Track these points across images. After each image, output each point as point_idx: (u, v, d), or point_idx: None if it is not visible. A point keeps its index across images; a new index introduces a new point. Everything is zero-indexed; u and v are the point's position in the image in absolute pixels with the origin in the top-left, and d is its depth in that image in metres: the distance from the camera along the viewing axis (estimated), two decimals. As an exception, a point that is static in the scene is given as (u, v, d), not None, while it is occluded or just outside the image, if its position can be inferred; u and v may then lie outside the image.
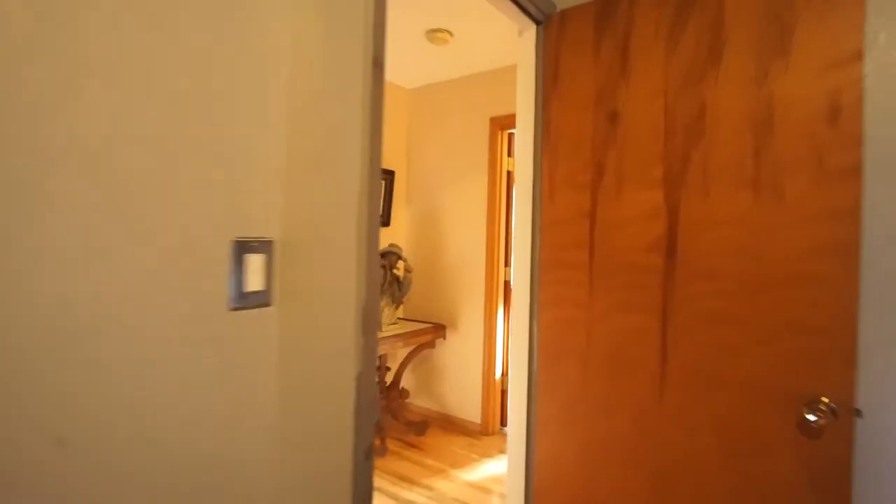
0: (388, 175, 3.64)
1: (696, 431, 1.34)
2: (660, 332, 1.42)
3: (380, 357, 3.24)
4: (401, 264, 3.50)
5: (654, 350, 1.42)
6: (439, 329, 3.36)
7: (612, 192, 1.53)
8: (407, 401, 3.81)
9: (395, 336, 3.06)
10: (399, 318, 3.57)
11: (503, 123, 3.36)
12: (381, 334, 3.08)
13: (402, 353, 3.37)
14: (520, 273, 1.80)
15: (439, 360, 3.65)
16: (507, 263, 3.44)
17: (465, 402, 3.49)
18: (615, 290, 1.51)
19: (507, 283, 3.46)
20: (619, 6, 1.52)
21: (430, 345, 3.35)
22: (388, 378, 3.39)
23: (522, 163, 1.81)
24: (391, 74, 3.65)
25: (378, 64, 1.03)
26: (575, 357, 1.59)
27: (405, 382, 3.80)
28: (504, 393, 3.50)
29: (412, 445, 3.24)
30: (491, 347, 3.37)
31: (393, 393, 3.32)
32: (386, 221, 3.69)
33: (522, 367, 1.77)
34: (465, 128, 3.53)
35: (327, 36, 0.91)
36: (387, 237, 3.72)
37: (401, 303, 3.34)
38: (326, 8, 0.91)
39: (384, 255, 3.32)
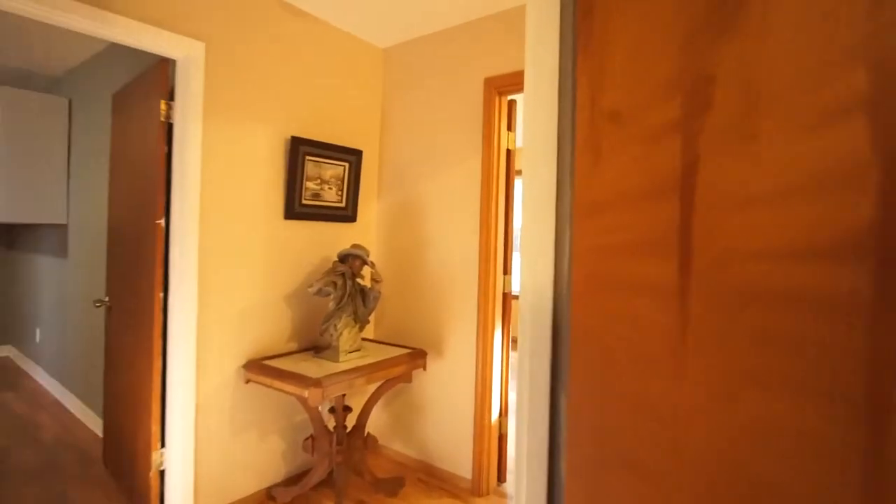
0: (353, 156, 2.84)
1: None
2: (863, 453, 0.62)
3: (336, 397, 2.44)
4: (367, 271, 2.69)
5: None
6: (418, 356, 2.56)
7: (734, 136, 0.73)
8: (379, 444, 3.00)
9: (355, 370, 2.26)
10: (365, 341, 2.76)
11: (502, 86, 2.56)
12: (334, 367, 2.28)
13: (370, 387, 2.57)
14: (533, 298, 1.00)
15: (419, 393, 2.85)
16: (506, 270, 2.64)
17: (452, 449, 2.69)
18: (741, 347, 0.72)
19: (506, 296, 2.66)
20: None
21: (406, 378, 2.55)
22: (349, 421, 2.59)
23: (538, 97, 1.01)
24: (359, 29, 2.85)
25: None
26: (640, 473, 0.80)
27: (374, 423, 2.99)
28: (503, 439, 2.69)
29: (381, 512, 2.44)
30: (485, 379, 2.57)
31: (355, 441, 2.52)
32: (350, 216, 2.88)
33: (540, 469, 0.98)
34: (453, 94, 2.73)
35: None
36: (350, 236, 2.91)
37: (366, 322, 2.54)
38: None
39: (343, 258, 2.52)
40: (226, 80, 2.31)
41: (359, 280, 2.55)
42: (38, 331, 4.37)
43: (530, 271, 1.01)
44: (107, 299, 2.75)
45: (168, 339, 2.24)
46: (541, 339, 0.99)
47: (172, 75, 2.25)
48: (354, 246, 2.53)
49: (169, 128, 2.25)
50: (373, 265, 2.51)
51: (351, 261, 2.51)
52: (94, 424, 3.32)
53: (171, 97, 2.25)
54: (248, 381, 2.36)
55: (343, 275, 2.47)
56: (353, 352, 2.47)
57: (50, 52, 3.45)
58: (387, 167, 3.03)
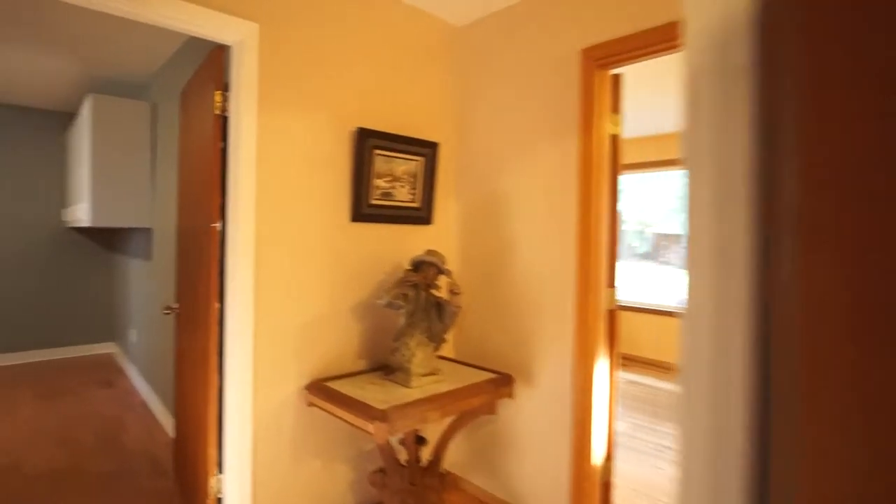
0: (427, 149, 2.50)
1: None
2: None
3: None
4: (443, 281, 2.33)
5: None
6: (503, 383, 2.16)
7: None
8: (457, 478, 2.63)
9: (429, 401, 1.90)
10: (442, 359, 2.41)
11: (604, 57, 2.09)
12: (405, 395, 1.93)
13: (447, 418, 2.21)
14: (715, 320, 0.57)
15: (505, 424, 2.44)
16: (611, 282, 2.16)
17: (545, 493, 2.26)
18: None
19: (612, 313, 2.17)
20: None
21: (489, 409, 2.16)
22: (425, 455, 2.24)
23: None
24: (431, 5, 2.50)
25: None
26: None
27: (452, 451, 2.63)
28: (608, 488, 2.21)
29: (459, 565, 2.08)
30: (585, 412, 2.11)
31: (431, 480, 2.17)
32: (424, 217, 2.54)
33: None
34: (541, 73, 2.30)
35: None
36: (425, 240, 2.57)
37: (443, 341, 2.18)
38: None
39: (416, 266, 2.18)
40: (283, 65, 2.05)
41: (433, 291, 2.19)
42: (132, 331, 4.50)
43: (706, 283, 0.58)
44: (176, 306, 2.62)
45: (224, 355, 2.02)
46: (730, 380, 0.56)
47: (228, 64, 2.03)
48: (429, 252, 2.18)
49: (224, 122, 2.04)
50: (450, 274, 2.15)
51: (425, 269, 2.16)
52: (173, 430, 3.27)
53: (226, 88, 2.03)
54: (310, 405, 2.09)
55: (416, 285, 2.13)
56: (428, 375, 2.12)
57: (132, 58, 3.46)
58: (465, 161, 2.65)
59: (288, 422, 2.11)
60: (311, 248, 2.15)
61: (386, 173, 2.35)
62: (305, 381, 2.14)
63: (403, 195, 2.44)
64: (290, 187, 2.08)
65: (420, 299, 2.13)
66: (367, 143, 2.26)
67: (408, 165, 2.43)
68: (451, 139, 2.67)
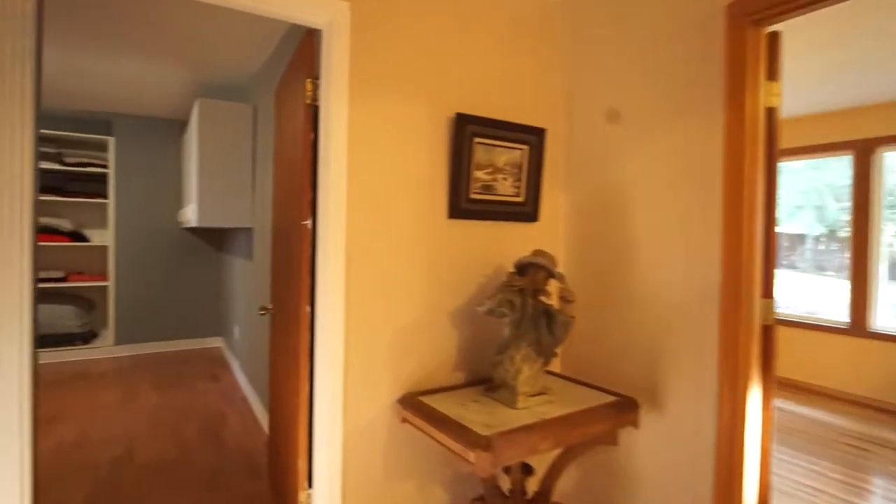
0: (533, 136, 2.20)
1: None
2: None
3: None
4: (553, 287, 2.03)
5: None
6: (626, 408, 1.82)
7: None
8: (567, 507, 2.31)
9: (540, 427, 1.61)
10: (549, 375, 2.11)
11: (759, 11, 1.67)
12: (511, 419, 1.66)
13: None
14: None
15: (627, 456, 2.08)
16: (767, 292, 1.73)
17: (676, 543, 1.88)
18: None
19: (767, 329, 1.75)
20: None
21: (609, 439, 1.82)
22: (531, 485, 1.96)
23: None
24: (539, -31, 2.20)
25: None
26: None
27: (560, 486, 2.31)
28: (761, 546, 1.79)
29: None
30: (733, 449, 1.71)
31: (538, 514, 1.88)
32: (529, 213, 2.25)
33: None
34: (672, 37, 1.92)
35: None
36: (530, 239, 2.28)
37: (553, 356, 1.88)
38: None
39: (521, 269, 1.90)
40: (375, 47, 1.87)
41: (542, 298, 1.90)
42: (236, 328, 4.65)
43: None
44: (270, 307, 2.56)
45: (315, 362, 1.88)
46: None
47: (318, 50, 1.89)
48: (536, 253, 1.89)
49: (315, 112, 1.89)
50: (562, 278, 1.84)
51: (532, 273, 1.87)
52: (268, 431, 3.27)
53: (318, 76, 1.89)
54: (403, 421, 1.89)
55: (522, 291, 1.85)
56: (536, 395, 1.83)
57: (233, 61, 3.52)
58: (577, 148, 2.32)
59: (380, 438, 1.92)
60: (406, 248, 1.95)
61: (487, 164, 2.10)
62: (399, 393, 1.94)
63: (506, 188, 2.17)
64: (382, 181, 1.89)
65: (527, 307, 1.84)
66: (467, 130, 2.02)
67: (511, 155, 2.16)
68: (558, 124, 2.35)
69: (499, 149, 2.12)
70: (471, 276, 2.11)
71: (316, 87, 1.88)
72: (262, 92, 3.64)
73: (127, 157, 5.16)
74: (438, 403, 1.81)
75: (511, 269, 1.94)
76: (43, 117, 5.17)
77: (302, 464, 1.91)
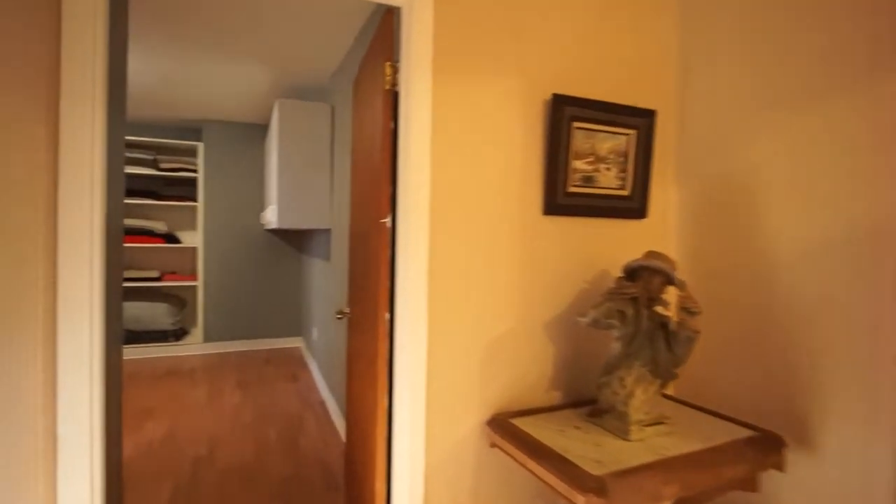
0: (641, 119, 1.90)
1: None
2: None
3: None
4: (673, 295, 1.71)
5: None
6: (768, 447, 1.47)
7: None
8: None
9: (663, 467, 1.32)
10: (667, 399, 1.79)
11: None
12: (626, 456, 1.37)
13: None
14: None
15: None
16: (982, 304, 1.33)
17: None
18: None
19: (974, 356, 1.34)
20: None
21: (748, 485, 1.49)
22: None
23: None
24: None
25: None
26: None
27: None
28: None
29: None
30: (916, 510, 1.32)
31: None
32: (636, 209, 1.94)
33: None
34: (829, -12, 1.54)
35: None
36: (637, 240, 1.97)
37: (673, 377, 1.57)
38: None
39: (632, 274, 1.61)
40: (461, 22, 1.65)
41: (658, 309, 1.59)
42: (315, 329, 4.65)
43: None
44: (348, 311, 2.43)
45: (394, 375, 1.69)
46: None
47: (398, 29, 1.70)
48: (651, 255, 1.59)
49: (395, 98, 1.71)
50: (683, 286, 1.53)
51: (646, 278, 1.58)
52: (345, 439, 3.16)
53: (398, 59, 1.71)
54: (493, 446, 1.66)
55: (634, 300, 1.56)
56: (652, 425, 1.53)
57: (312, 60, 3.47)
58: (692, 133, 1.98)
59: (467, 463, 1.70)
60: (496, 249, 1.72)
61: (587, 152, 1.82)
62: (487, 413, 1.72)
63: (609, 180, 1.88)
64: (469, 173, 1.67)
65: (641, 319, 1.55)
66: (564, 113, 1.76)
67: (615, 141, 1.87)
68: (668, 105, 2.02)
69: (601, 134, 1.84)
70: (569, 282, 1.84)
71: (395, 71, 1.70)
72: (339, 90, 3.56)
73: (214, 162, 5.34)
74: (534, 429, 1.56)
75: (619, 274, 1.66)
76: (141, 126, 5.48)
77: (380, 486, 1.74)
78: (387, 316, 1.71)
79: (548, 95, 1.77)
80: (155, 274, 5.30)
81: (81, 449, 1.32)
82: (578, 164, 1.81)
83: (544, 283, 1.80)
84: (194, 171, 5.35)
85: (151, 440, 3.16)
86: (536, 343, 1.79)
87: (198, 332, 5.41)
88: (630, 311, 1.55)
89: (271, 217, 4.10)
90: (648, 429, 1.51)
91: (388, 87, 1.70)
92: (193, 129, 5.69)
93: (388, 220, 1.70)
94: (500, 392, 1.74)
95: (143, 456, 2.95)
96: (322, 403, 3.88)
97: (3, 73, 1.24)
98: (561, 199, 1.79)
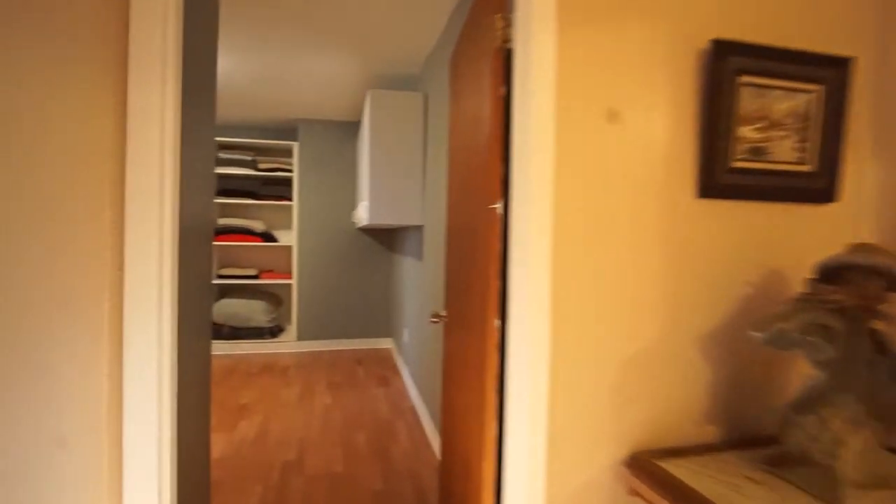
0: (830, 70, 1.43)
1: None
2: None
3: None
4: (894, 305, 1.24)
5: None
6: None
7: None
8: None
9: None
10: (893, 454, 1.31)
11: None
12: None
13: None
14: None
15: None
16: None
17: None
18: None
19: None
20: None
21: None
22: None
23: None
24: None
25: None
26: None
27: None
28: None
29: None
30: None
31: None
32: (824, 189, 1.47)
33: None
34: None
35: None
36: (824, 230, 1.50)
37: (900, 421, 1.11)
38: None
39: (830, 275, 1.17)
40: (598, -50, 1.31)
41: (878, 325, 1.14)
42: (406, 330, 4.47)
43: None
44: (444, 314, 2.16)
45: (506, 396, 1.38)
46: None
47: (514, -29, 1.39)
48: (862, 249, 1.15)
49: (507, 57, 1.40)
50: (923, 292, 1.08)
51: (858, 281, 1.13)
52: (438, 450, 2.90)
53: (510, 10, 1.40)
54: (633, 493, 1.30)
55: (843, 311, 1.12)
56: (878, 488, 1.09)
57: (404, 48, 3.27)
58: (903, 87, 1.48)
59: (595, 511, 1.35)
60: (634, 242, 1.35)
61: (757, 116, 1.39)
62: (624, 450, 1.35)
63: (785, 152, 1.43)
64: (600, 146, 1.32)
65: (856, 337, 1.11)
66: (728, 64, 1.35)
67: (794, 101, 1.42)
68: (869, 51, 1.53)
69: (776, 92, 1.40)
70: (730, 285, 1.42)
71: (508, 25, 1.39)
72: (432, 78, 3.33)
73: (308, 161, 5.37)
74: (693, 477, 1.18)
75: (811, 276, 1.22)
76: (241, 128, 5.65)
77: (486, 529, 1.43)
78: (496, 323, 1.40)
79: (704, 43, 1.37)
80: (253, 272, 5.42)
81: (148, 456, 1.15)
82: (745, 132, 1.39)
83: (696, 286, 1.40)
84: (290, 170, 5.41)
85: (243, 440, 3.10)
86: (685, 363, 1.39)
87: (292, 330, 5.46)
88: (838, 327, 1.11)
89: (363, 214, 3.96)
90: (873, 494, 1.07)
91: (498, 43, 1.40)
92: (290, 130, 5.77)
93: (499, 207, 1.39)
94: (638, 424, 1.36)
95: (234, 456, 2.88)
96: (413, 410, 3.66)
97: (67, 41, 1.09)
98: (721, 178, 1.38)
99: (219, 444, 3.03)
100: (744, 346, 1.42)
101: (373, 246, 5.59)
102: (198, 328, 1.79)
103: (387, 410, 3.66)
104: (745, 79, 1.37)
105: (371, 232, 5.58)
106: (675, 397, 1.39)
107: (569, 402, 1.31)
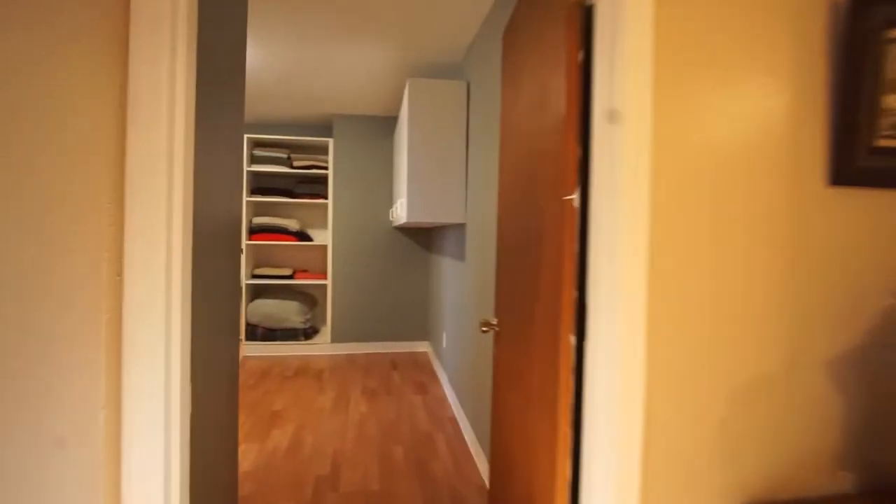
0: None
1: None
2: None
3: None
4: None
5: None
6: None
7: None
8: None
9: None
10: None
11: None
12: None
13: None
14: None
15: None
16: None
17: None
18: None
19: None
20: None
21: None
22: None
23: None
24: None
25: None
26: None
27: None
28: None
29: None
30: None
31: None
32: None
33: None
34: None
35: None
36: None
37: None
38: None
39: None
40: None
41: None
42: (444, 334, 4.25)
43: None
44: (495, 322, 1.92)
45: (583, 430, 1.13)
46: None
47: None
48: None
49: (587, 16, 1.15)
50: None
51: None
52: (483, 468, 2.66)
53: (591, -44, 1.14)
54: (747, 558, 1.03)
55: None
56: None
57: (445, 35, 3.04)
58: None
59: (695, 575, 1.08)
60: (749, 241, 1.08)
61: (908, 81, 1.10)
62: (737, 501, 1.08)
63: (942, 128, 1.13)
64: (707, 123, 1.06)
65: None
66: (871, 15, 1.06)
67: (955, 63, 1.12)
68: None
69: (933, 51, 1.10)
70: (870, 295, 1.13)
71: (587, -24, 1.14)
72: (475, 65, 3.09)
73: (344, 157, 5.21)
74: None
75: None
76: (276, 125, 5.54)
77: (556, 587, 1.18)
78: (572, 339, 1.15)
79: (840, -10, 1.09)
80: (288, 272, 5.30)
81: (155, 445, 0.95)
82: (893, 101, 1.09)
83: (826, 297, 1.11)
84: (325, 167, 5.27)
85: (275, 450, 2.94)
86: (811, 393, 1.11)
87: (326, 332, 5.32)
88: None
89: (400, 212, 3.76)
90: None
91: (575, -2, 1.15)
92: (325, 126, 5.64)
93: (574, 198, 1.14)
94: (752, 469, 1.09)
95: (265, 468, 2.72)
96: (453, 421, 3.43)
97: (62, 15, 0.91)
98: (860, 160, 1.09)
99: (250, 455, 2.87)
100: (887, 371, 1.13)
101: (410, 246, 5.39)
102: (224, 333, 1.61)
103: (425, 420, 3.44)
104: (893, 32, 1.08)
105: (408, 231, 5.38)
106: (799, 436, 1.11)
107: (664, 441, 1.05)
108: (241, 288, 1.55)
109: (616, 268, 1.02)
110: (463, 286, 3.36)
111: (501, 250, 1.86)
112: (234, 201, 1.79)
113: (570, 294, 1.14)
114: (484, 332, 1.88)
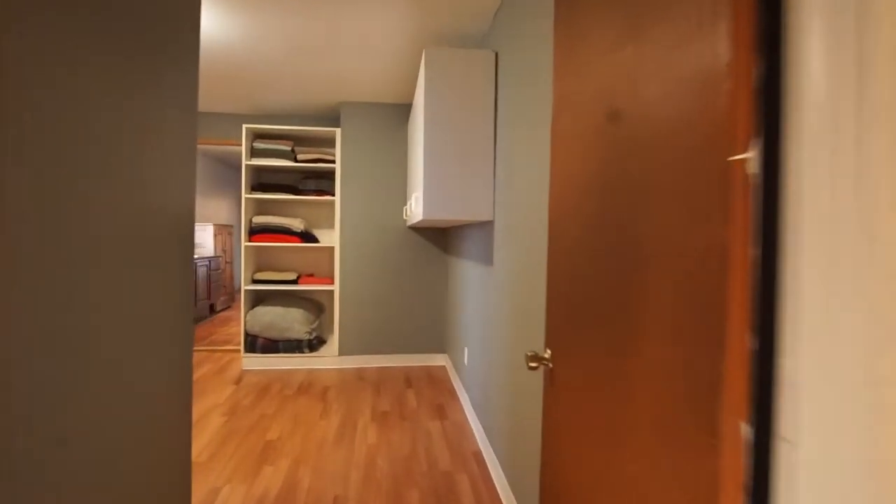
0: None
1: None
2: None
3: None
4: None
5: None
6: None
7: None
8: None
9: None
10: None
11: None
12: None
13: None
14: None
15: None
16: None
17: None
18: None
19: None
20: None
21: None
22: None
23: None
24: None
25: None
26: None
27: None
28: None
29: None
30: None
31: None
32: None
33: None
34: None
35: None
36: None
37: None
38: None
39: None
40: None
41: None
42: (466, 350, 3.71)
43: None
44: (547, 354, 1.37)
45: None
46: None
47: None
48: None
49: None
50: None
51: None
52: (520, 530, 2.12)
53: None
54: None
55: None
56: None
57: (470, 6, 2.52)
58: None
59: None
60: None
61: None
62: None
63: None
64: None
65: None
66: None
67: None
68: None
69: None
70: None
71: None
72: (504, 31, 2.54)
73: (353, 149, 4.70)
74: None
75: None
76: (280, 116, 5.06)
77: None
78: (745, 431, 0.60)
79: None
80: (292, 276, 4.81)
81: None
82: None
83: None
84: (332, 161, 4.76)
85: (265, 496, 2.42)
86: None
87: (333, 343, 4.82)
88: None
89: (415, 209, 3.23)
90: None
91: None
92: (332, 117, 5.14)
93: (751, 157, 0.60)
94: None
95: (252, 524, 2.20)
96: (478, 457, 2.89)
97: None
98: None
99: (234, 501, 2.36)
100: None
101: (426, 247, 4.86)
102: (167, 367, 1.09)
103: (446, 456, 2.90)
104: None
105: (424, 231, 4.85)
106: None
107: None
108: (192, 301, 1.04)
109: (858, 294, 0.47)
110: (491, 295, 2.82)
111: (559, 255, 1.31)
112: (179, 192, 1.28)
113: (741, 342, 0.60)
114: (532, 368, 1.34)
